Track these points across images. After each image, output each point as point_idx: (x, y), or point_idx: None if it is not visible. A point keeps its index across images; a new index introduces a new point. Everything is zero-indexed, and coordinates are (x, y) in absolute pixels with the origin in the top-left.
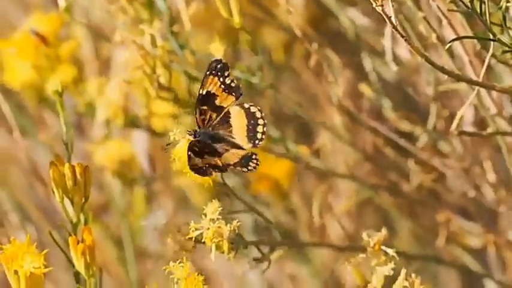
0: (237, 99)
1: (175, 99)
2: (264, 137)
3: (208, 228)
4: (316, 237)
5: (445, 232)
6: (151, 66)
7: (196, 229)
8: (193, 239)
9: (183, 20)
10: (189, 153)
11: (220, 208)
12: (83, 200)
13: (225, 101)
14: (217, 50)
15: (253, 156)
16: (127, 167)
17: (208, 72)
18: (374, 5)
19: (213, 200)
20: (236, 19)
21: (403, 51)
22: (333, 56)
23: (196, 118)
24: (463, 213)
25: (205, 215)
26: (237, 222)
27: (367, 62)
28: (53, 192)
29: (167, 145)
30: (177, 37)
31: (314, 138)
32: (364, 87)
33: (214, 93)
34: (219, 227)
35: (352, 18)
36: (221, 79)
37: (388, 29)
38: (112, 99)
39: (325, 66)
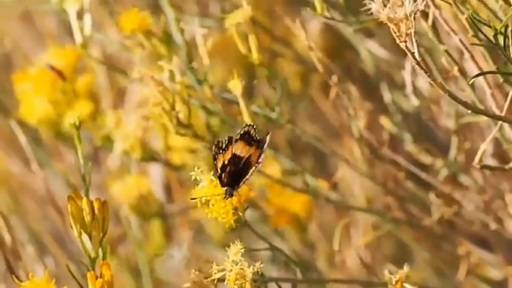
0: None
1: (194, 135)
2: None
3: (231, 270)
4: (336, 270)
5: (466, 264)
6: (170, 102)
7: (219, 271)
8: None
9: (200, 55)
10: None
11: (243, 249)
12: (101, 235)
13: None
14: (236, 86)
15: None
16: (144, 201)
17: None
18: (397, 41)
19: (236, 241)
20: (254, 55)
21: (423, 83)
22: (352, 88)
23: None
24: (484, 245)
25: (228, 257)
26: (260, 264)
27: (387, 95)
28: (71, 227)
29: (192, 199)
30: (195, 72)
31: (333, 170)
32: (384, 120)
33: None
34: (242, 268)
35: (370, 50)
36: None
37: (408, 63)
38: (129, 132)
39: (345, 99)
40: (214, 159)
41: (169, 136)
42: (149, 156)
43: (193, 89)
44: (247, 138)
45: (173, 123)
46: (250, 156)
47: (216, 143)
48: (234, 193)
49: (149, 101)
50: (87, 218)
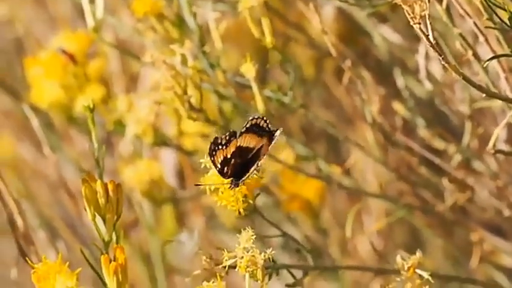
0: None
1: (206, 120)
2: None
3: (242, 257)
4: (348, 256)
5: (479, 251)
6: (182, 86)
7: (230, 258)
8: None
9: (213, 39)
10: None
11: (254, 236)
12: (115, 218)
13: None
14: (249, 70)
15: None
16: (156, 186)
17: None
18: (411, 22)
19: (247, 228)
20: (268, 39)
21: (437, 68)
22: (365, 73)
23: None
24: (497, 232)
25: (239, 244)
26: (271, 250)
27: (400, 80)
28: (85, 209)
29: (196, 185)
30: (207, 56)
31: (345, 156)
32: (397, 105)
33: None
34: (253, 256)
35: (384, 35)
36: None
37: (422, 47)
38: (141, 117)
39: (359, 84)
40: (211, 155)
41: (182, 121)
42: (161, 141)
43: (205, 73)
44: (256, 130)
45: (185, 108)
46: (262, 146)
47: (213, 140)
48: (240, 183)
49: (161, 85)
50: (101, 200)
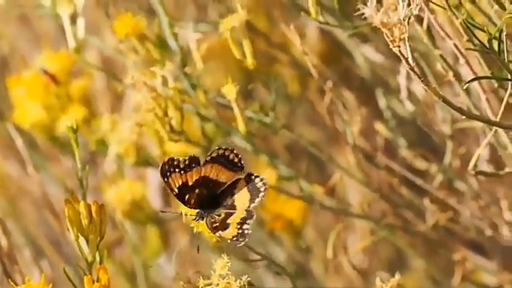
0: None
1: (187, 141)
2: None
3: (218, 285)
4: (332, 275)
5: (461, 270)
6: (163, 108)
7: (206, 285)
8: None
9: (194, 60)
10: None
11: (229, 264)
12: (99, 238)
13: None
14: (230, 91)
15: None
16: (138, 207)
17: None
18: (391, 45)
19: (222, 255)
20: (249, 60)
21: (419, 87)
22: (347, 94)
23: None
24: (479, 251)
25: (214, 271)
26: (247, 277)
27: (382, 100)
28: (68, 230)
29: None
30: (189, 77)
31: (330, 174)
32: (379, 126)
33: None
34: (228, 283)
35: (366, 55)
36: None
37: (403, 67)
38: (124, 137)
39: (340, 105)
40: (165, 176)
41: (165, 141)
42: (144, 160)
43: (187, 94)
44: (224, 162)
45: (166, 130)
46: (236, 181)
47: (167, 160)
48: (208, 218)
49: (142, 107)
50: (85, 221)
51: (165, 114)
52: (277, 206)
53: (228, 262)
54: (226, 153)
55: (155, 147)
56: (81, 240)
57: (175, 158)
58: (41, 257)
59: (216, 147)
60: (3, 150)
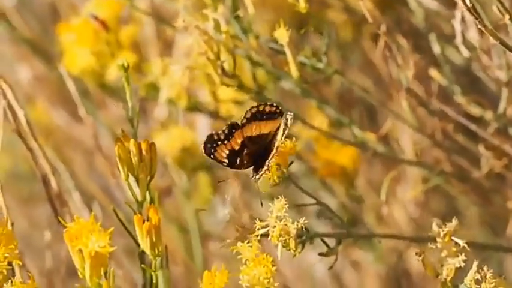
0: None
1: (239, 86)
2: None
3: (275, 226)
4: (383, 224)
5: None
6: (215, 52)
7: (262, 227)
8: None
9: (246, 4)
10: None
11: (287, 205)
12: (149, 178)
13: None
14: (282, 35)
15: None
16: (188, 153)
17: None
18: None
19: (280, 197)
20: (302, 4)
21: (473, 34)
22: (401, 40)
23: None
24: None
25: (271, 213)
26: (304, 219)
27: (436, 46)
28: (118, 169)
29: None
30: (240, 22)
31: (382, 123)
32: (433, 72)
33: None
34: (286, 224)
35: (420, 1)
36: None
37: (458, 12)
38: (175, 81)
39: (394, 50)
40: (210, 154)
41: (216, 87)
42: (194, 106)
43: (238, 39)
44: (260, 117)
45: (218, 73)
46: (280, 126)
47: (206, 138)
48: (265, 169)
49: (194, 51)
50: (135, 159)
51: (218, 57)
52: (329, 153)
53: (285, 204)
54: (260, 109)
55: (206, 93)
56: (131, 179)
57: (213, 133)
58: (90, 200)
59: (249, 108)
60: (53, 99)
